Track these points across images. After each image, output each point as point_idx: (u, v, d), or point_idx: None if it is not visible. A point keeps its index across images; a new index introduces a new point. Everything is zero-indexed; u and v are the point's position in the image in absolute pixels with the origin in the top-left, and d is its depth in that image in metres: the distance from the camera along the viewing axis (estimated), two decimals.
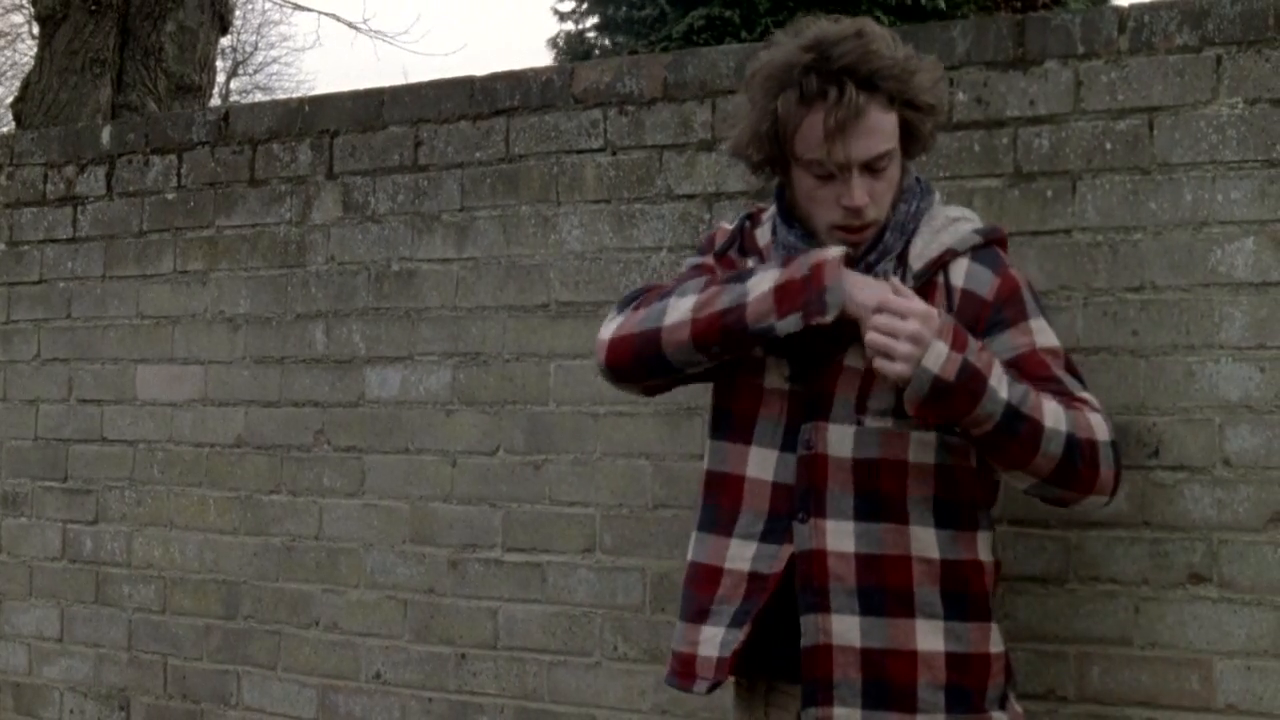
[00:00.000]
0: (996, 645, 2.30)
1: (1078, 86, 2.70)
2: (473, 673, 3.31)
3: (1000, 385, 2.17)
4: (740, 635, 2.28)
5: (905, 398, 2.17)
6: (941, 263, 2.29)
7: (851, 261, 2.27)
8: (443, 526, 3.37)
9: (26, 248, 4.11)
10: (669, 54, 3.21)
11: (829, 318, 2.21)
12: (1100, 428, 2.24)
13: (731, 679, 2.37)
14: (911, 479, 2.25)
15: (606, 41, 17.07)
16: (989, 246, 2.33)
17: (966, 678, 2.24)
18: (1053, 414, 2.19)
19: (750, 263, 2.37)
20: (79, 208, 4.02)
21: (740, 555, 2.30)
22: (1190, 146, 2.61)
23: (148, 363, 3.86)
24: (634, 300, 2.44)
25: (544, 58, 17.28)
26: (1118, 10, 2.70)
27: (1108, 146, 2.67)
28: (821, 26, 2.27)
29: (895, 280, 2.21)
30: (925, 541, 2.24)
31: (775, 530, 2.28)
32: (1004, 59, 2.77)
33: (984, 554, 2.31)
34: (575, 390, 3.20)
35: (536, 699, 3.22)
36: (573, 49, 17.19)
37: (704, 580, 2.34)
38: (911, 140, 2.31)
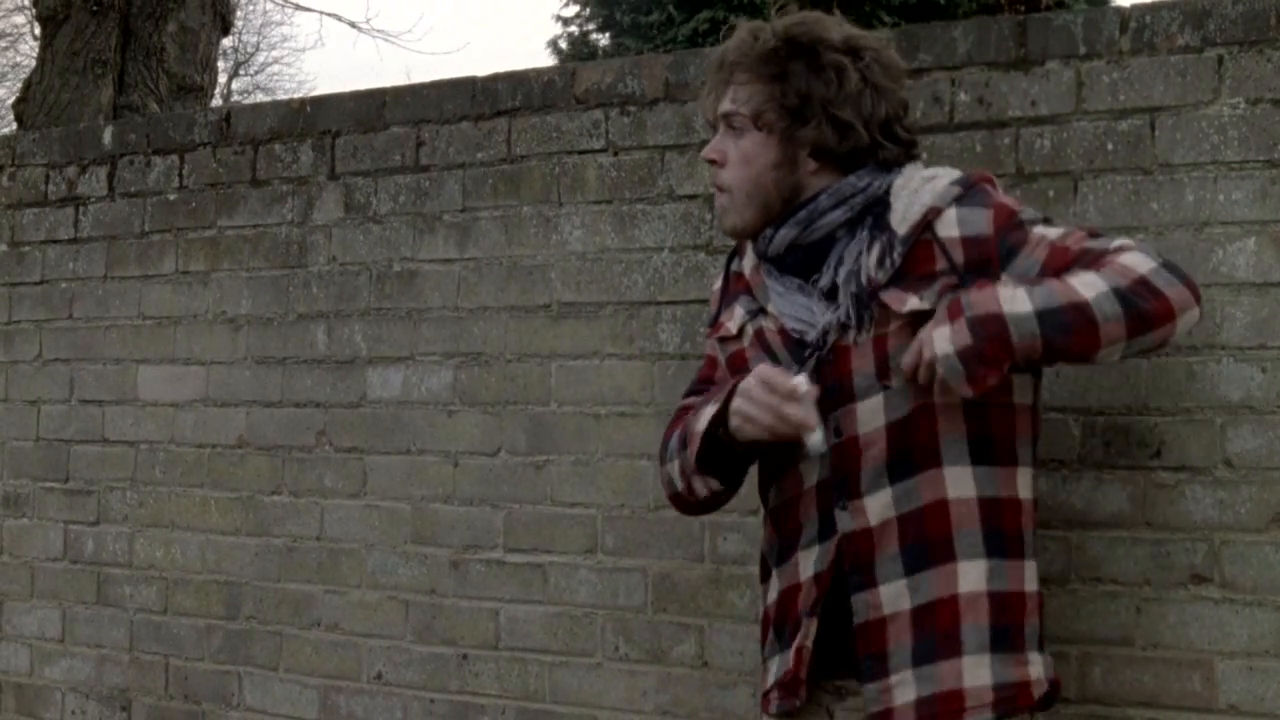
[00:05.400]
0: (1032, 584, 2.29)
1: (1079, 87, 2.70)
2: (474, 673, 3.31)
3: (1017, 302, 2.14)
4: (810, 630, 2.28)
5: (958, 391, 2.16)
6: (926, 222, 2.27)
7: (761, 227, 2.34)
8: (444, 527, 3.37)
9: (28, 248, 4.11)
10: (670, 54, 3.21)
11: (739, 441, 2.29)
12: (1139, 261, 2.19)
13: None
14: (942, 421, 2.23)
15: (612, 44, 17.02)
16: (972, 189, 2.30)
17: (1005, 616, 2.24)
18: (1086, 283, 2.16)
19: (738, 309, 2.40)
20: (80, 208, 4.02)
21: (807, 563, 2.31)
22: (1192, 147, 2.61)
23: (149, 363, 3.86)
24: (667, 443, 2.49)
25: (548, 59, 17.26)
26: (1119, 11, 2.70)
27: (1109, 147, 2.67)
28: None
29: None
30: (961, 481, 2.23)
31: (826, 527, 2.28)
32: (1006, 59, 2.77)
33: (1023, 491, 2.28)
34: (577, 391, 3.20)
35: (538, 700, 3.22)
36: (576, 52, 17.16)
37: (791, 603, 2.33)
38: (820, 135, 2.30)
